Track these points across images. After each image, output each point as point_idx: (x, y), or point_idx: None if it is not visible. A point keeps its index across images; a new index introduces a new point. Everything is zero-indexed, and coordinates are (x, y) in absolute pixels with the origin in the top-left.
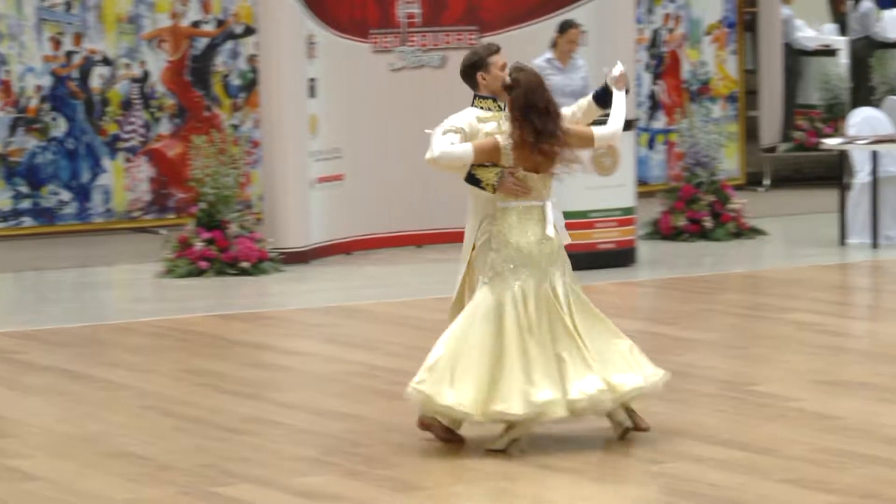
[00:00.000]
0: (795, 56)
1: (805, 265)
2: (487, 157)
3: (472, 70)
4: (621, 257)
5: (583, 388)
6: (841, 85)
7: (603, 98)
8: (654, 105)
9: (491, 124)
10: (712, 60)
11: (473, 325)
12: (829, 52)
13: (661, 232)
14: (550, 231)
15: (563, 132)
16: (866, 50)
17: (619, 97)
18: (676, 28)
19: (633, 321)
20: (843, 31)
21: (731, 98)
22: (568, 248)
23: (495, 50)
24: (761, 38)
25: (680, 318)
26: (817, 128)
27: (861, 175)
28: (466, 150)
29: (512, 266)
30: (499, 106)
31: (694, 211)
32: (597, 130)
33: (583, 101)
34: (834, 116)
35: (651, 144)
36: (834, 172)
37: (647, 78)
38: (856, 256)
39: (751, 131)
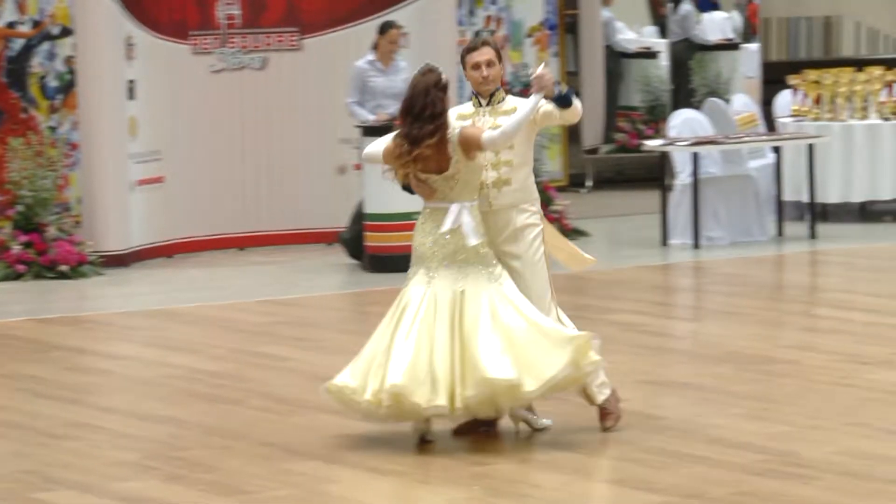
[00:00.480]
0: (616, 58)
1: (628, 266)
2: (392, 159)
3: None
4: None
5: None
6: (662, 87)
7: (560, 100)
8: None
9: (468, 122)
10: (534, 62)
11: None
12: (649, 54)
13: None
14: (443, 229)
15: (439, 137)
16: (686, 52)
17: (529, 101)
18: (498, 30)
19: None
20: (664, 33)
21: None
22: (392, 248)
23: (472, 47)
24: (582, 41)
25: None
26: (639, 129)
27: (682, 176)
28: (378, 151)
29: (412, 266)
30: (479, 102)
31: None
32: (485, 134)
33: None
34: (655, 118)
35: None
36: (655, 174)
37: None
38: (677, 257)
39: (573, 133)
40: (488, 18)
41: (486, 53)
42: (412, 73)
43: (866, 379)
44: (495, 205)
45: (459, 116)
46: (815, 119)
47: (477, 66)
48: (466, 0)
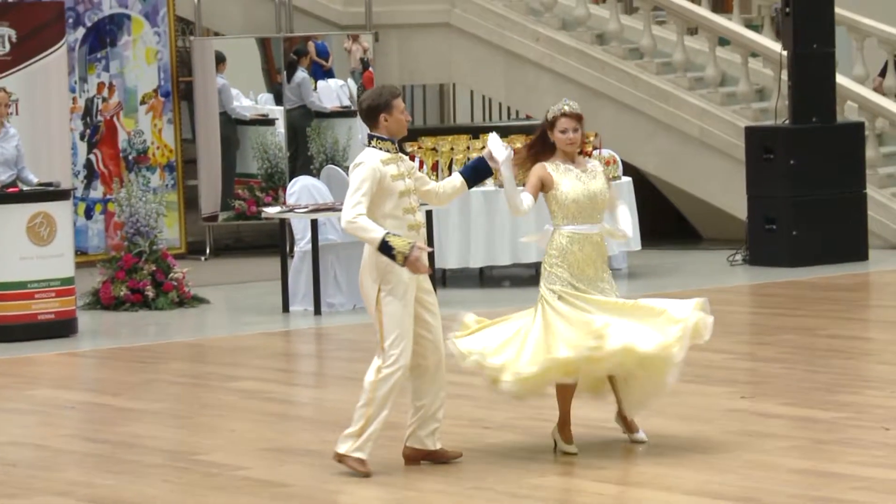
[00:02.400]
0: (233, 125)
1: (249, 333)
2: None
3: (375, 111)
4: (62, 328)
5: None
6: (279, 154)
7: (472, 175)
8: (91, 174)
9: (391, 167)
10: (149, 129)
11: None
12: (266, 121)
13: (103, 302)
14: None
15: None
16: (303, 119)
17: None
18: (111, 97)
19: (77, 392)
20: (279, 100)
21: (170, 167)
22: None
23: (398, 93)
24: (198, 107)
25: (124, 388)
26: (257, 196)
27: (302, 243)
28: (375, 237)
29: None
30: (395, 147)
31: (135, 280)
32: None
33: (451, 180)
34: (273, 185)
35: (89, 214)
36: (275, 240)
37: (83, 147)
38: (299, 324)
39: (190, 200)
40: (101, 85)
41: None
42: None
43: (488, 444)
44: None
45: (383, 162)
46: None
47: (404, 111)
48: (78, 66)
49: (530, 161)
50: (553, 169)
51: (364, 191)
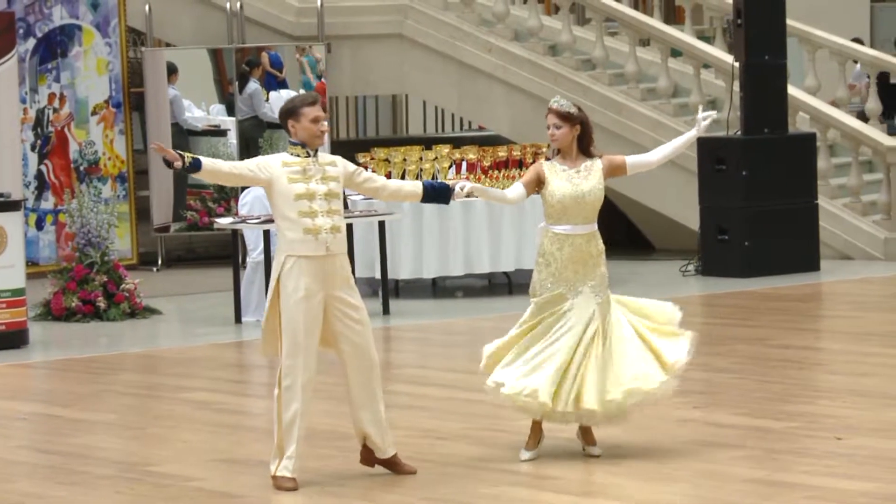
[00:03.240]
0: (185, 136)
1: (201, 344)
2: None
3: (284, 117)
4: (13, 339)
5: None
6: None
7: (432, 192)
8: (42, 185)
9: (295, 168)
10: (100, 140)
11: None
12: (218, 132)
13: (54, 313)
14: None
15: None
16: (255, 130)
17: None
18: (62, 108)
19: (28, 403)
20: (231, 111)
21: (121, 178)
22: None
23: (311, 101)
24: (149, 118)
25: (75, 399)
26: (209, 207)
27: (254, 254)
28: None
29: None
30: (307, 153)
31: (87, 291)
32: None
33: (411, 184)
34: (225, 196)
35: (40, 225)
36: (227, 251)
37: (33, 158)
38: (252, 334)
39: (142, 211)
40: (52, 95)
41: (321, 109)
42: None
43: (441, 454)
44: (332, 249)
45: (284, 164)
46: None
47: (317, 120)
48: (29, 77)
49: None
50: (549, 168)
51: (242, 164)
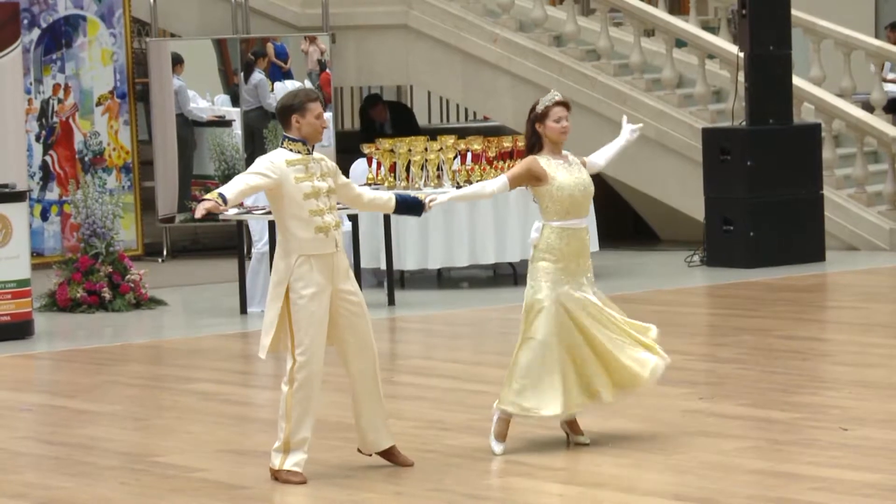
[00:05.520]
0: (189, 127)
1: (206, 335)
2: None
3: (288, 112)
4: (18, 330)
5: None
6: (236, 155)
7: (404, 205)
8: (47, 176)
9: (299, 167)
10: (105, 131)
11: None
12: (223, 122)
13: (59, 304)
14: None
15: None
16: (260, 120)
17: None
18: (67, 98)
19: (33, 394)
20: (236, 102)
21: (126, 169)
22: None
23: (314, 97)
24: (154, 109)
25: (80, 390)
26: None
27: (259, 245)
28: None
29: None
30: (308, 150)
31: (92, 282)
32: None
33: (385, 196)
34: None
35: (45, 216)
36: (232, 242)
37: (38, 149)
38: (256, 325)
39: (147, 202)
40: (57, 86)
41: (321, 107)
42: None
43: (447, 445)
44: (339, 246)
45: (288, 162)
46: (390, 187)
47: (320, 116)
48: (33, 67)
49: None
50: (545, 163)
51: (253, 176)
